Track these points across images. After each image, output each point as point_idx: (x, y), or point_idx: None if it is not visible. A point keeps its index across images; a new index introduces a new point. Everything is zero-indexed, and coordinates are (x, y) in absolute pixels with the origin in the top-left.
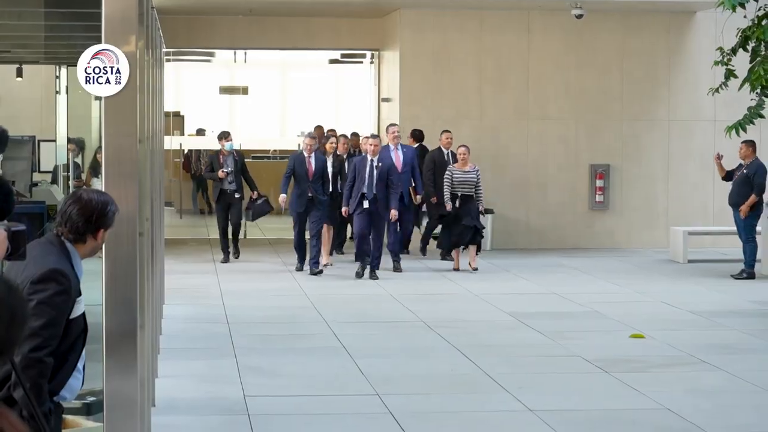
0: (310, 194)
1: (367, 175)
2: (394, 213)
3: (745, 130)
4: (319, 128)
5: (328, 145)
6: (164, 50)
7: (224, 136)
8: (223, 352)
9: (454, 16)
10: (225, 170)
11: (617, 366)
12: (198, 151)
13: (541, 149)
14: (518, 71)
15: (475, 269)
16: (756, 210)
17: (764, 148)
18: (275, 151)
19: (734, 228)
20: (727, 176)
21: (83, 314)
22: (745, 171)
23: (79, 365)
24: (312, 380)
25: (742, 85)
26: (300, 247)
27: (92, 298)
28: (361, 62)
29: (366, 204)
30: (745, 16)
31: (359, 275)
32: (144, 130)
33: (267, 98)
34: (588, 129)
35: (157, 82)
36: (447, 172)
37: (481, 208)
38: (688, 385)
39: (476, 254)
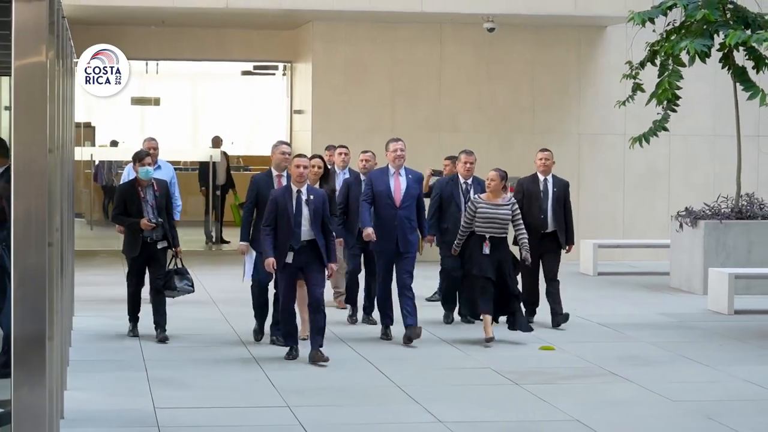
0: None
1: (293, 215)
2: (333, 267)
3: (648, 142)
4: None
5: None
6: (75, 60)
7: (139, 157)
8: (133, 364)
9: (366, 28)
10: (152, 220)
11: (528, 378)
12: (109, 162)
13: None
14: (430, 84)
15: (491, 339)
16: None
17: (674, 160)
18: (187, 162)
19: (644, 241)
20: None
21: None
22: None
23: None
24: (223, 392)
25: (649, 100)
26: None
27: None
28: (274, 74)
29: (288, 258)
30: (654, 31)
31: (292, 357)
32: (54, 140)
33: (179, 109)
34: (499, 142)
35: (68, 92)
36: (470, 205)
37: (524, 255)
38: (598, 396)
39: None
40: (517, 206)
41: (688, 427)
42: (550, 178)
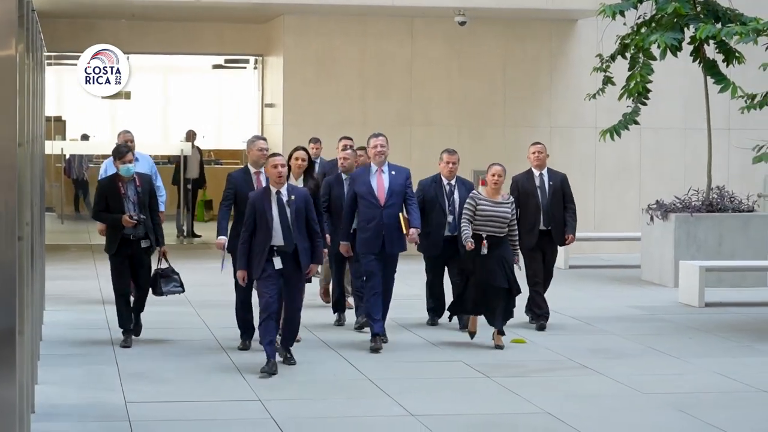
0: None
1: (275, 217)
2: (313, 267)
3: (619, 135)
4: (315, 141)
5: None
6: (45, 54)
7: (120, 154)
8: (105, 358)
9: (337, 21)
10: (134, 216)
11: (498, 370)
12: (80, 156)
13: (424, 155)
14: (401, 77)
15: (500, 347)
16: None
17: (645, 153)
18: (158, 156)
19: (615, 234)
20: None
21: None
22: None
23: None
24: (194, 386)
25: (621, 94)
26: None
27: None
28: (245, 67)
29: (277, 263)
30: (624, 24)
31: (267, 373)
32: (24, 133)
33: (150, 103)
34: (471, 135)
35: (38, 85)
36: (470, 200)
37: (516, 258)
38: (568, 389)
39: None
40: (514, 205)
41: (658, 420)
42: (545, 172)
